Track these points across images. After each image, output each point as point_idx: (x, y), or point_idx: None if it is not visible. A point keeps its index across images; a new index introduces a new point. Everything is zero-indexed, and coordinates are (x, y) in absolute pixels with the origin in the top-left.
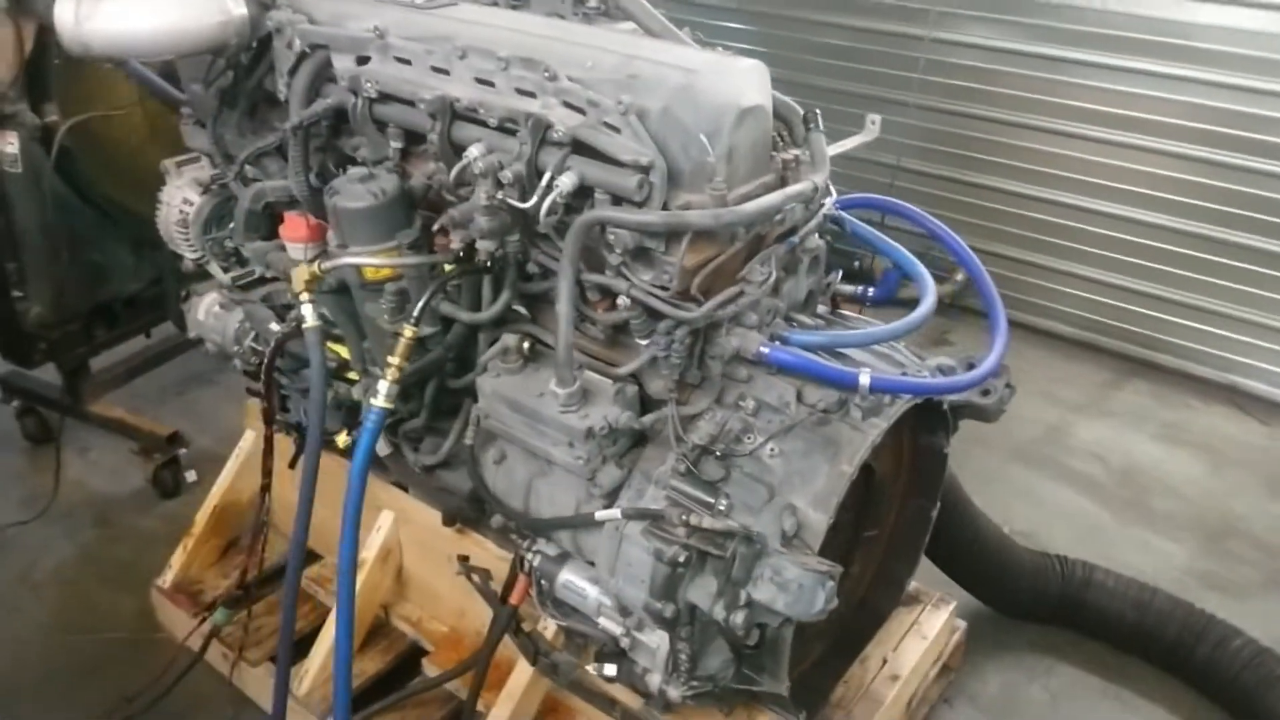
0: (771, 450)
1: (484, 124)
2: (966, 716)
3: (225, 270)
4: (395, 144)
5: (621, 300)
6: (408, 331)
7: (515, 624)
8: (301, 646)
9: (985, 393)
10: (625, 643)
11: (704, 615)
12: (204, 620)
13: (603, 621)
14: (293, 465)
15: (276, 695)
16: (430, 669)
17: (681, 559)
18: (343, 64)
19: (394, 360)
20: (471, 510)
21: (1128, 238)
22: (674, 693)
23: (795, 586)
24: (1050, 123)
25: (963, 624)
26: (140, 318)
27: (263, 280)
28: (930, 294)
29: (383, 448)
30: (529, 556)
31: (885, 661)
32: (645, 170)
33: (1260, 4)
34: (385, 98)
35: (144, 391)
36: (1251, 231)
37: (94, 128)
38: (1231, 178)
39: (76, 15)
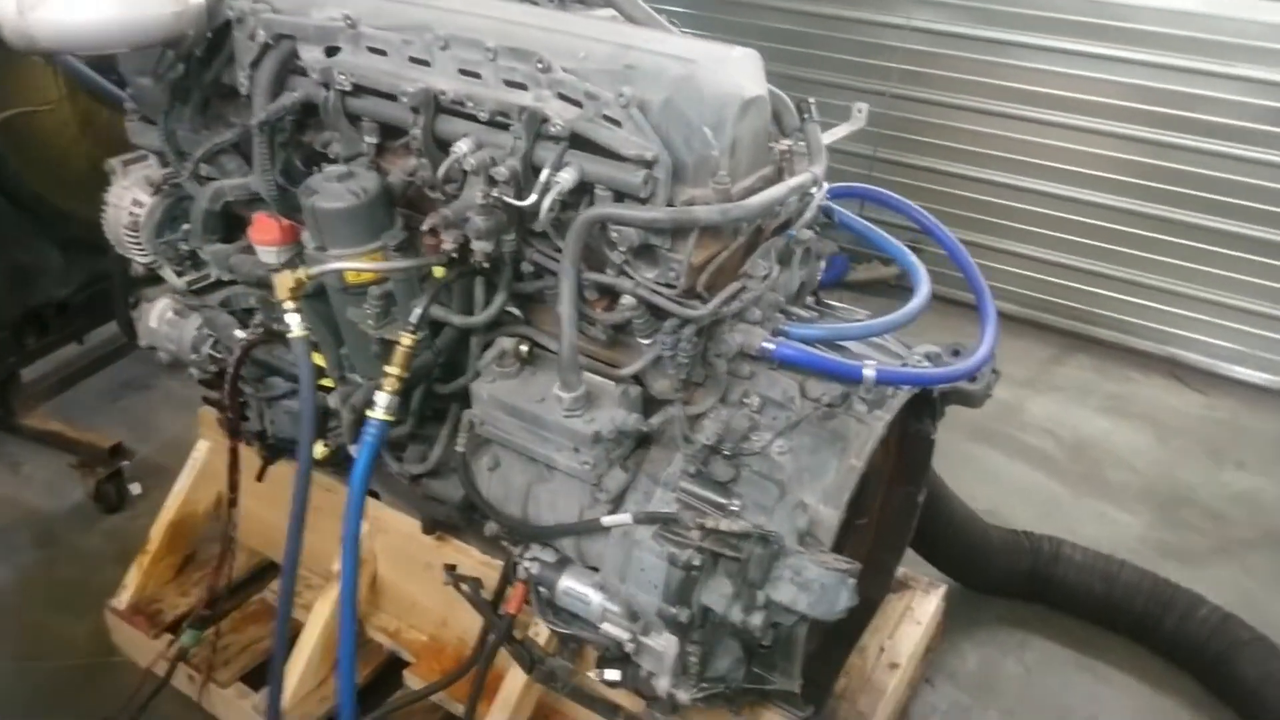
0: (780, 447)
1: (472, 118)
2: (950, 695)
3: (179, 274)
4: (370, 139)
5: (625, 299)
6: (406, 339)
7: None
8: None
9: (972, 378)
10: (630, 648)
11: (717, 617)
12: (172, 643)
13: (606, 627)
14: (260, 478)
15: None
16: (413, 680)
17: (696, 562)
18: (311, 55)
19: (392, 370)
20: (461, 519)
21: (1068, 216)
22: (683, 695)
23: (817, 586)
24: (989, 104)
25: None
26: (72, 324)
27: (219, 284)
28: (925, 284)
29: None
30: (525, 564)
31: (883, 650)
32: (649, 165)
33: None
34: (360, 91)
35: (77, 400)
36: (1188, 208)
37: (19, 125)
38: (1169, 156)
39: (19, 6)
